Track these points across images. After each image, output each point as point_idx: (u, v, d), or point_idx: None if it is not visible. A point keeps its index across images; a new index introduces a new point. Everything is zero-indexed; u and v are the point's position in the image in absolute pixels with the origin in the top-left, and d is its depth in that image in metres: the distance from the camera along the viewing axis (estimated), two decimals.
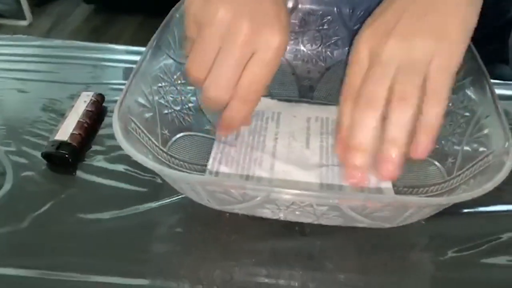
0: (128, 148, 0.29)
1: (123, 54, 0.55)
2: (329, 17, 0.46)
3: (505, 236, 0.35)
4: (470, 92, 0.37)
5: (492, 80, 0.36)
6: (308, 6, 0.46)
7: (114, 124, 0.31)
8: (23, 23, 1.97)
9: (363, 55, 0.33)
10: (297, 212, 0.31)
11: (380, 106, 0.31)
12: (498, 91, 0.35)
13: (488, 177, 0.29)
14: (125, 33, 1.91)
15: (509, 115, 0.41)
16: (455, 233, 0.35)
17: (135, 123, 0.34)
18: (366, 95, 0.32)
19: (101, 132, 0.44)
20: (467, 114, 0.37)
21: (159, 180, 0.39)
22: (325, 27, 0.47)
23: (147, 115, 0.36)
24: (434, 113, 0.31)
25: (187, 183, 0.31)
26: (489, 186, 0.27)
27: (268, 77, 0.34)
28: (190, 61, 0.34)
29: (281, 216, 0.33)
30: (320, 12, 0.46)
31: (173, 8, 0.42)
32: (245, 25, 0.32)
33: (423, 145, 0.31)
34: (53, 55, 0.54)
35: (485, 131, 0.34)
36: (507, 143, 0.30)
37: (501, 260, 0.34)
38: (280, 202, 0.30)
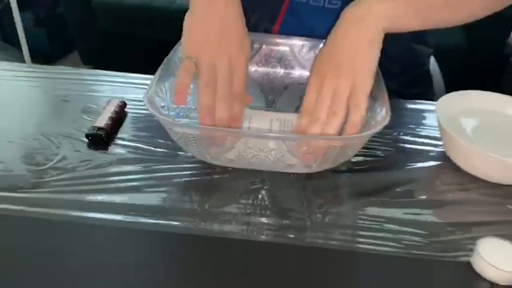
0: (150, 109, 0.48)
1: (133, 78, 0.74)
2: (286, 53, 0.67)
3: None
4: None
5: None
6: (269, 47, 0.68)
7: (144, 99, 0.50)
8: None
9: (313, 87, 0.53)
10: (257, 158, 0.49)
11: (323, 120, 0.51)
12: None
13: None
14: None
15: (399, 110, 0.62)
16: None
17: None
18: (316, 113, 0.52)
19: (124, 125, 0.63)
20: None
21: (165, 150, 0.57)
22: (282, 60, 0.68)
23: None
24: (357, 118, 0.51)
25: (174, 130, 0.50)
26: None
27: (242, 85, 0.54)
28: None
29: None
30: (279, 50, 0.68)
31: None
32: (223, 60, 0.52)
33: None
34: (87, 79, 0.73)
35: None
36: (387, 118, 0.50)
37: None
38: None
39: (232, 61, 0.54)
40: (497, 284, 0.43)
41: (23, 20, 2.21)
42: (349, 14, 0.55)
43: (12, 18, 2.19)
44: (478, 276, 0.44)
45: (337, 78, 0.52)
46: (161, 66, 0.57)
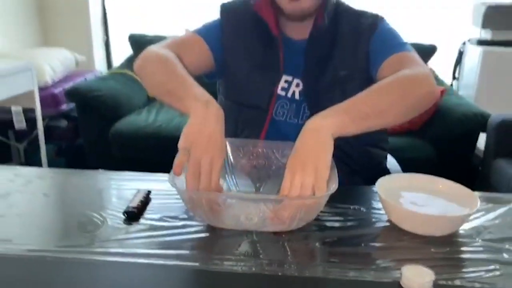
0: (171, 182, 0.71)
1: (153, 175, 0.97)
2: (268, 153, 0.92)
3: None
4: None
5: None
6: (256, 149, 0.93)
7: (169, 178, 0.73)
8: None
9: (288, 179, 0.75)
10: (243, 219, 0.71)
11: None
12: None
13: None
14: None
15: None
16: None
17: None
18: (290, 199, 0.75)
19: (148, 207, 0.85)
20: None
21: (177, 221, 0.78)
22: (267, 157, 0.92)
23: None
24: (319, 194, 0.73)
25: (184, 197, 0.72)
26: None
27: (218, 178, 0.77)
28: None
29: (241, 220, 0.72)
30: (263, 151, 0.93)
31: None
32: (207, 158, 0.76)
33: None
34: (116, 178, 0.97)
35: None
36: (333, 185, 0.73)
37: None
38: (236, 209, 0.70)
39: (213, 161, 0.77)
40: None
41: (47, 150, 2.53)
42: (308, 126, 0.80)
43: (38, 147, 2.51)
44: None
45: (303, 173, 0.75)
46: None
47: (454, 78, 2.88)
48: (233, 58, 1.09)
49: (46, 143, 2.53)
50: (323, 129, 0.79)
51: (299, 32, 1.06)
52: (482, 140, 2.27)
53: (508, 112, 2.16)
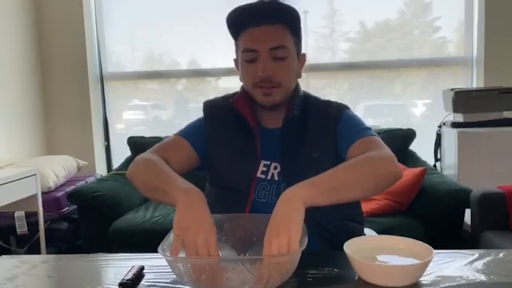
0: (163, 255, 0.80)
1: (144, 255, 1.06)
2: (250, 225, 1.03)
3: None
4: None
5: None
6: (240, 223, 1.03)
7: (159, 250, 0.82)
8: None
9: (267, 242, 0.86)
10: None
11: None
12: None
13: None
14: None
15: None
16: None
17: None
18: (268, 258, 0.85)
19: (142, 281, 0.93)
20: None
21: None
22: (248, 230, 1.02)
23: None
24: (293, 247, 0.84)
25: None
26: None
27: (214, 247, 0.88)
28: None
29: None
30: (245, 224, 1.03)
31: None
32: (201, 239, 0.87)
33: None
34: (113, 258, 1.06)
35: None
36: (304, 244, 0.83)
37: None
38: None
39: (207, 240, 0.88)
40: None
41: (47, 253, 2.59)
42: (283, 196, 0.93)
43: (38, 251, 2.57)
44: None
45: (278, 237, 0.86)
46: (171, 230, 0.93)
47: (436, 160, 3.04)
48: (216, 148, 1.23)
49: (46, 246, 2.60)
50: (295, 198, 0.91)
51: (273, 122, 1.22)
52: (468, 215, 2.35)
53: (490, 186, 2.27)
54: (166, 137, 3.02)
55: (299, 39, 1.21)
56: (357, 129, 1.17)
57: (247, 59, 1.16)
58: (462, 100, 2.76)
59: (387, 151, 1.08)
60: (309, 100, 1.26)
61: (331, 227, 1.15)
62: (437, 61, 3.24)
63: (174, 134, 1.27)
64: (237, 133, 1.23)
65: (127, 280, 0.90)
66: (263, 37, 1.14)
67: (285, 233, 0.85)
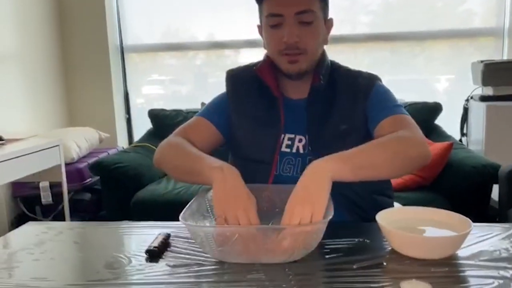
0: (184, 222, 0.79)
1: (170, 223, 1.05)
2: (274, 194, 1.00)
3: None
4: None
5: None
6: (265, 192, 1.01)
7: (181, 218, 0.81)
8: None
9: (288, 211, 0.84)
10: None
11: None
12: None
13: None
14: None
15: None
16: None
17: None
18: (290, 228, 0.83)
19: (168, 249, 0.92)
20: None
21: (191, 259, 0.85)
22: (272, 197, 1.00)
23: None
24: (316, 219, 0.82)
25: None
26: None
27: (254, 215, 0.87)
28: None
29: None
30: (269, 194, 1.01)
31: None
32: (241, 212, 0.86)
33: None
34: (140, 226, 1.05)
35: None
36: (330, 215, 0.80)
37: None
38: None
39: (247, 211, 0.87)
40: None
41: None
42: (309, 168, 0.90)
43: (63, 221, 2.61)
44: None
45: (302, 207, 0.84)
46: (193, 200, 0.91)
47: (462, 134, 2.96)
48: (238, 118, 1.20)
49: (70, 216, 2.63)
50: (322, 171, 0.88)
51: (299, 92, 1.17)
52: (496, 191, 2.29)
53: None
54: (186, 109, 3.12)
55: (326, 2, 1.15)
56: (388, 105, 1.12)
57: (271, 24, 1.11)
58: (492, 72, 2.65)
59: (419, 132, 1.03)
60: (337, 69, 1.21)
61: (361, 201, 1.12)
62: (463, 32, 3.11)
63: (196, 115, 1.24)
64: (259, 102, 1.19)
65: (154, 247, 0.89)
66: (288, 1, 1.08)
67: (309, 205, 0.83)
